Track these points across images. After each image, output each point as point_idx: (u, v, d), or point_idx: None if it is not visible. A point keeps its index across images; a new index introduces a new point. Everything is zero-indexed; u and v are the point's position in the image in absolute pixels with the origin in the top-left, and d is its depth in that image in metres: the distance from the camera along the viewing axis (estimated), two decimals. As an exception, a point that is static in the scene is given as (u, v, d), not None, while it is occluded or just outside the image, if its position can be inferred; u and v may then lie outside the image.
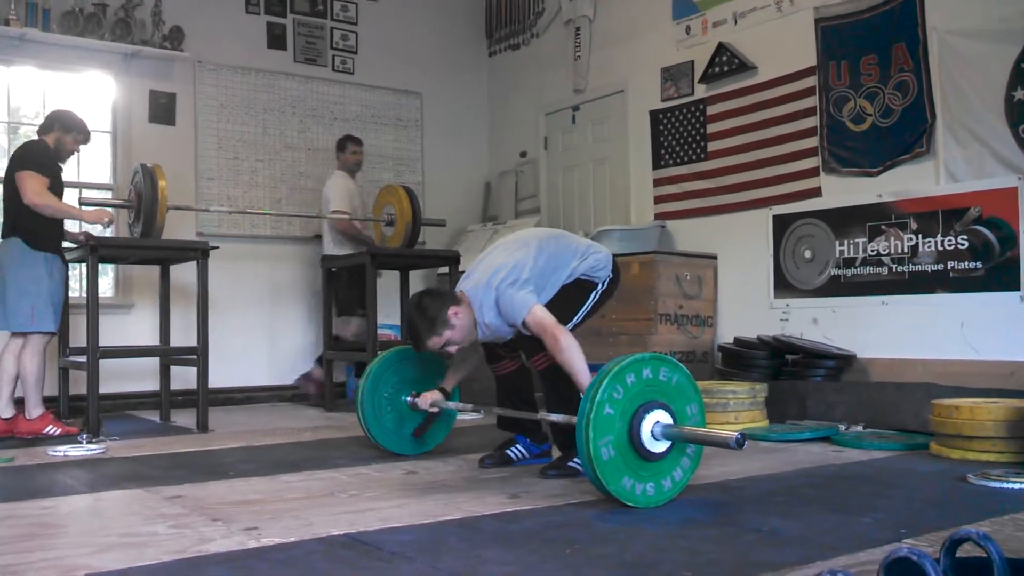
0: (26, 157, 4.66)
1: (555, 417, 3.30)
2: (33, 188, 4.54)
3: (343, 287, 6.40)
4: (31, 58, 6.10)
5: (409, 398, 3.94)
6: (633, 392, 2.84)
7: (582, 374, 3.14)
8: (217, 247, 5.31)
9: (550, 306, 3.35)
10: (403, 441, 3.99)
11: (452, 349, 3.42)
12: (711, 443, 2.86)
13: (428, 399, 3.81)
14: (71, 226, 4.99)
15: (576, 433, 2.80)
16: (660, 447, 2.85)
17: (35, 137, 4.85)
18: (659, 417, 2.84)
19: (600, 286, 3.61)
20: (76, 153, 5.01)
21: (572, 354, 3.17)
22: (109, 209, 5.03)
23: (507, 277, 3.34)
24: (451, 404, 3.93)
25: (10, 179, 4.65)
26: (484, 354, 3.83)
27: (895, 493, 3.07)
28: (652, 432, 2.82)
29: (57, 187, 4.72)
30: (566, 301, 3.50)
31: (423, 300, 3.36)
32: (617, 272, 3.69)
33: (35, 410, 4.61)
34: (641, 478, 2.81)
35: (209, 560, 2.22)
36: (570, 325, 3.48)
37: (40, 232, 4.63)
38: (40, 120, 5.12)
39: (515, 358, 3.74)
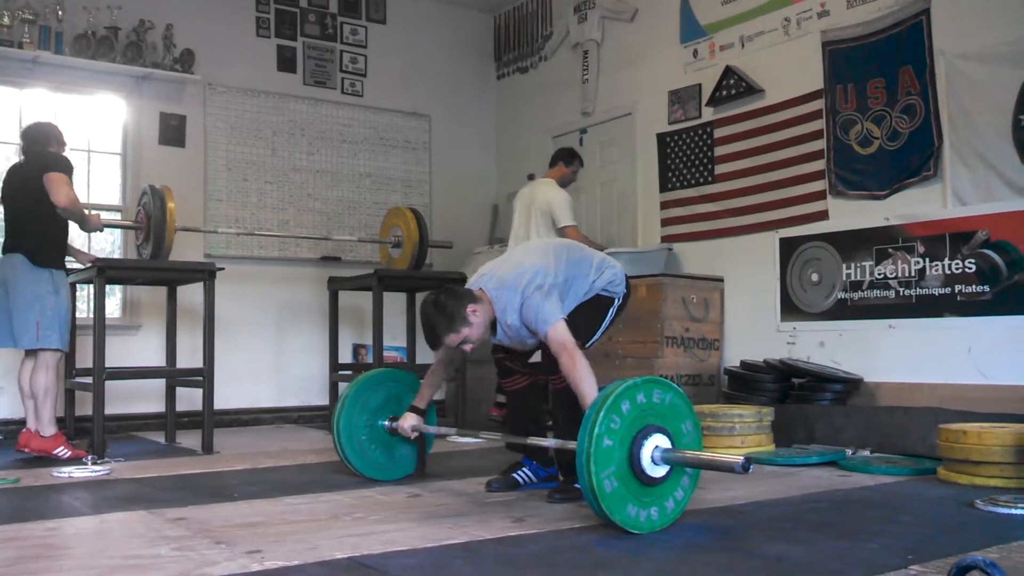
0: (55, 161, 4.63)
1: (549, 442, 3.29)
2: (67, 193, 4.53)
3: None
4: (44, 81, 6.16)
5: (387, 423, 3.91)
6: (630, 419, 2.83)
7: (591, 399, 3.13)
8: (223, 268, 5.32)
9: (575, 320, 3.37)
10: (396, 464, 3.95)
11: (468, 347, 3.41)
12: (715, 468, 2.84)
13: (408, 425, 3.79)
14: (79, 246, 5.01)
15: (577, 468, 2.79)
16: (660, 471, 2.84)
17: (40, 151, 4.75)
18: (658, 441, 2.83)
19: (617, 301, 3.65)
20: None
21: (584, 376, 3.16)
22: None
23: (533, 281, 3.34)
24: (432, 428, 3.90)
25: (27, 187, 4.58)
26: (496, 369, 3.83)
27: (902, 518, 3.04)
28: (652, 457, 2.81)
29: None
30: (590, 317, 3.53)
31: (441, 297, 3.34)
32: (629, 287, 3.73)
33: (48, 428, 4.60)
34: (644, 504, 2.80)
35: (211, 583, 2.21)
36: (591, 342, 3.52)
37: (44, 248, 4.61)
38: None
39: (527, 374, 3.74)
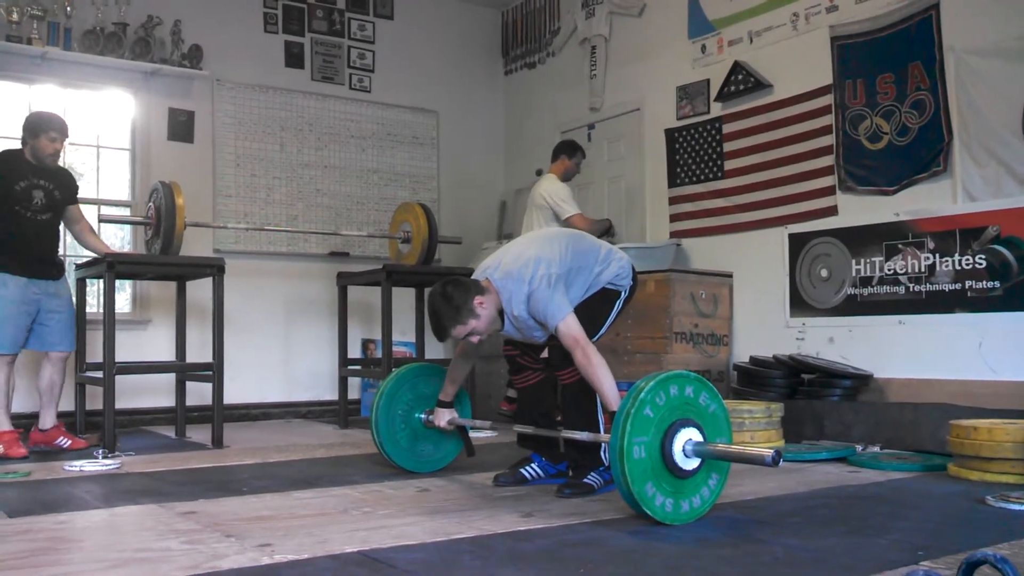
0: None
1: (581, 435, 3.30)
2: None
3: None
4: (52, 76, 6.17)
5: (423, 416, 3.95)
6: (673, 404, 2.87)
7: (611, 392, 3.15)
8: (223, 259, 5.33)
9: (580, 314, 3.34)
10: (417, 459, 3.99)
11: (475, 339, 3.41)
12: (745, 460, 2.85)
13: (444, 417, 3.81)
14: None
15: (612, 428, 2.81)
16: (689, 465, 2.85)
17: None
18: (692, 435, 2.86)
19: (623, 294, 3.63)
20: (60, 152, 4.84)
21: (602, 372, 3.19)
22: None
23: (538, 270, 3.32)
24: (468, 421, 3.93)
25: None
26: (508, 366, 3.83)
27: (912, 514, 3.04)
28: (684, 448, 2.83)
29: (10, 200, 4.67)
30: (595, 312, 3.51)
31: (448, 288, 3.31)
32: (636, 279, 3.71)
33: None
34: (663, 491, 2.81)
35: (222, 576, 2.22)
36: (597, 336, 3.50)
37: None
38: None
39: (538, 370, 3.74)
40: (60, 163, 4.99)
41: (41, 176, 4.78)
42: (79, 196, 5.06)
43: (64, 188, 4.89)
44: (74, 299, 5.11)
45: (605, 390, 3.17)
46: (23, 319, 4.69)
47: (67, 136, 4.88)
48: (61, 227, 5.02)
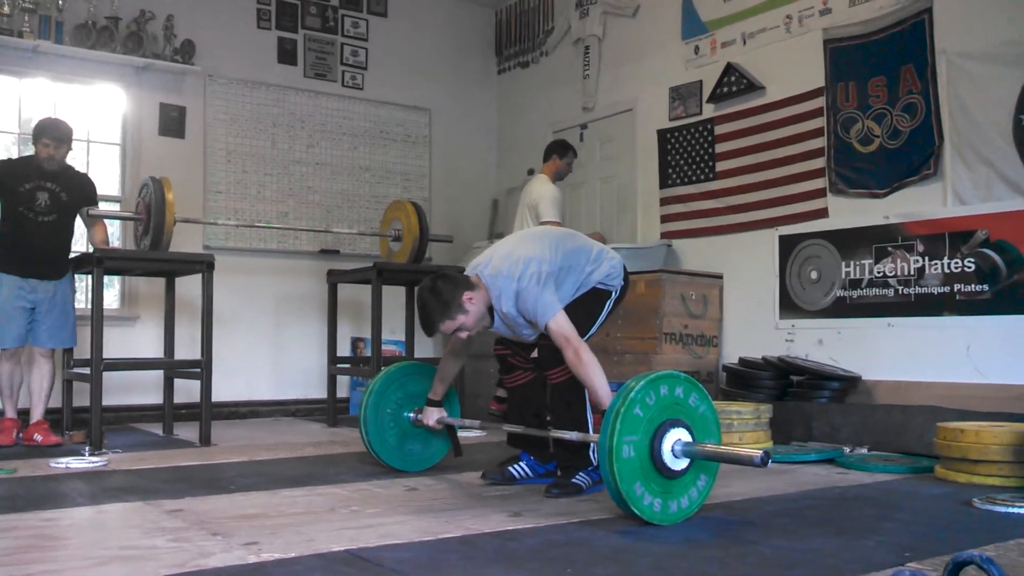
0: None
1: (570, 435, 3.29)
2: None
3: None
4: (44, 70, 6.14)
5: (412, 414, 3.94)
6: (663, 404, 2.87)
7: (602, 390, 3.14)
8: (213, 256, 5.32)
9: (570, 314, 3.34)
10: (405, 457, 3.98)
11: (463, 335, 3.40)
12: (734, 461, 2.85)
13: (433, 416, 3.81)
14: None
15: (602, 427, 2.81)
16: (677, 465, 2.86)
17: None
18: (681, 435, 2.86)
19: (614, 294, 3.62)
20: (56, 158, 4.86)
21: (593, 370, 3.18)
22: None
23: (528, 269, 3.31)
24: (457, 420, 3.92)
25: None
26: (498, 366, 3.83)
27: (899, 516, 3.04)
28: (673, 448, 2.84)
29: (14, 202, 4.80)
30: (584, 312, 3.50)
31: (437, 283, 3.31)
32: (627, 280, 3.71)
33: None
34: (652, 491, 2.81)
35: (208, 574, 2.21)
36: (587, 336, 3.49)
37: None
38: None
39: (529, 370, 3.73)
40: (80, 169, 5.17)
41: (48, 179, 4.88)
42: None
43: (71, 192, 4.96)
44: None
45: (596, 388, 3.16)
46: (22, 315, 4.81)
47: (64, 143, 4.92)
48: (76, 227, 5.12)
